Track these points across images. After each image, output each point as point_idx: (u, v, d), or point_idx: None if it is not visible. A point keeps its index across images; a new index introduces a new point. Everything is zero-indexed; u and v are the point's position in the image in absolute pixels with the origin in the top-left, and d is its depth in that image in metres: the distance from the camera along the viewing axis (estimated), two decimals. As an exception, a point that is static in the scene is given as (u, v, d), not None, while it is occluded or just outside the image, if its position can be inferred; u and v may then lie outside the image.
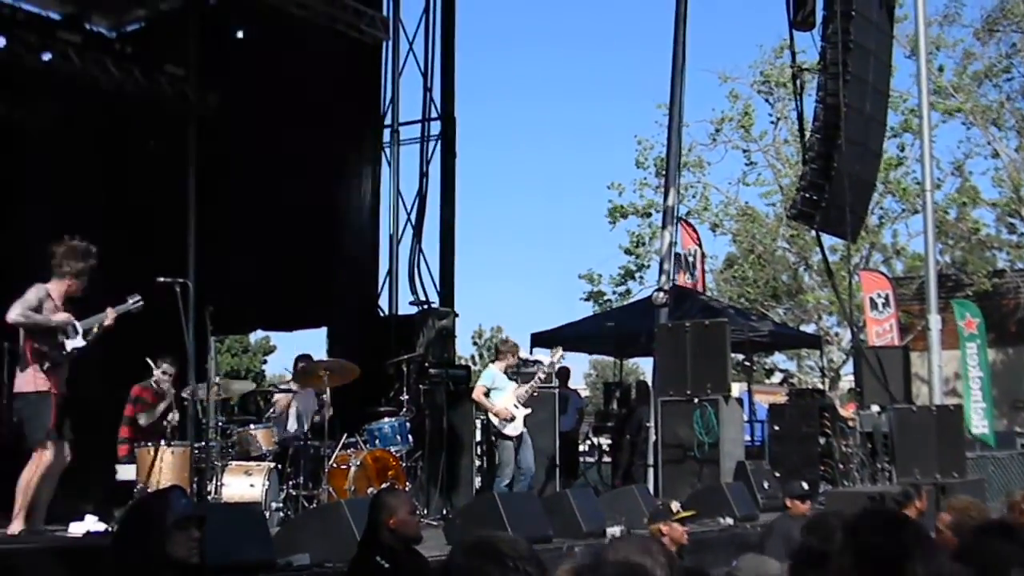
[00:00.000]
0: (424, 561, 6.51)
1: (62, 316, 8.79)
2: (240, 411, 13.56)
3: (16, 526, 8.50)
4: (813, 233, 19.78)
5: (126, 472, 10.47)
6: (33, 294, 8.70)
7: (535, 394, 12.70)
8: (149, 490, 9.66)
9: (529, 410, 12.59)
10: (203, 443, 10.39)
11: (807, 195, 15.16)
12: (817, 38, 15.16)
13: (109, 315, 9.09)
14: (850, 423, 16.05)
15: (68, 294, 8.91)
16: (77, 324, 8.87)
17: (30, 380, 8.65)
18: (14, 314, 8.56)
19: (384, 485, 11.04)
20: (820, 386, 24.74)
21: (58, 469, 8.91)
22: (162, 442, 10.16)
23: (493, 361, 13.22)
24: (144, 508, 4.75)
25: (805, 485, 10.38)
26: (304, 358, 12.78)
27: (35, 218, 16.17)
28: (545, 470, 13.94)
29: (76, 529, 9.26)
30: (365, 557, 6.18)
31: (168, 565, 4.41)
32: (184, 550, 4.49)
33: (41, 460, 8.64)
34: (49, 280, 8.90)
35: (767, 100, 32.45)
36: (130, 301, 9.28)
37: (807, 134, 15.68)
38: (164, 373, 11.15)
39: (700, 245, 22.30)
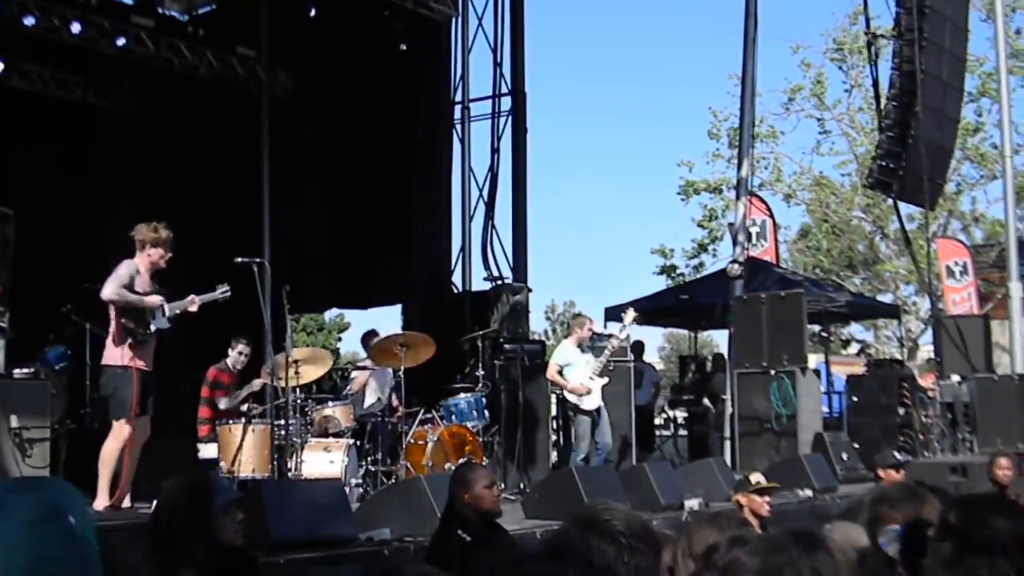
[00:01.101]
0: (505, 535, 6.53)
1: (154, 299, 8.96)
2: (318, 389, 13.69)
3: (101, 501, 8.66)
4: (890, 202, 19.53)
5: (208, 451, 10.65)
6: (125, 270, 8.89)
7: (610, 365, 12.63)
8: (228, 467, 9.84)
9: (606, 379, 12.46)
10: (283, 421, 10.51)
11: (884, 163, 14.98)
12: (892, 4, 14.93)
13: (195, 301, 9.24)
14: (930, 393, 15.84)
15: (153, 266, 9.06)
16: (166, 306, 9.03)
17: (117, 354, 8.83)
18: (109, 291, 8.76)
19: (461, 460, 11.11)
20: (898, 356, 24.43)
21: (139, 443, 9.07)
22: (243, 420, 10.31)
23: (566, 337, 13.20)
24: (188, 491, 4.68)
25: (898, 455, 10.27)
26: (372, 333, 12.85)
27: (111, 200, 16.47)
28: (621, 444, 13.92)
29: (159, 507, 9.41)
30: (446, 531, 6.19)
31: (215, 548, 4.44)
32: (230, 532, 4.55)
33: (122, 433, 8.81)
34: (134, 256, 9.06)
35: (840, 68, 32.06)
36: (219, 290, 9.42)
37: (883, 101, 15.47)
38: (240, 354, 11.29)
39: (772, 216, 22.09)
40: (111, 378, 8.86)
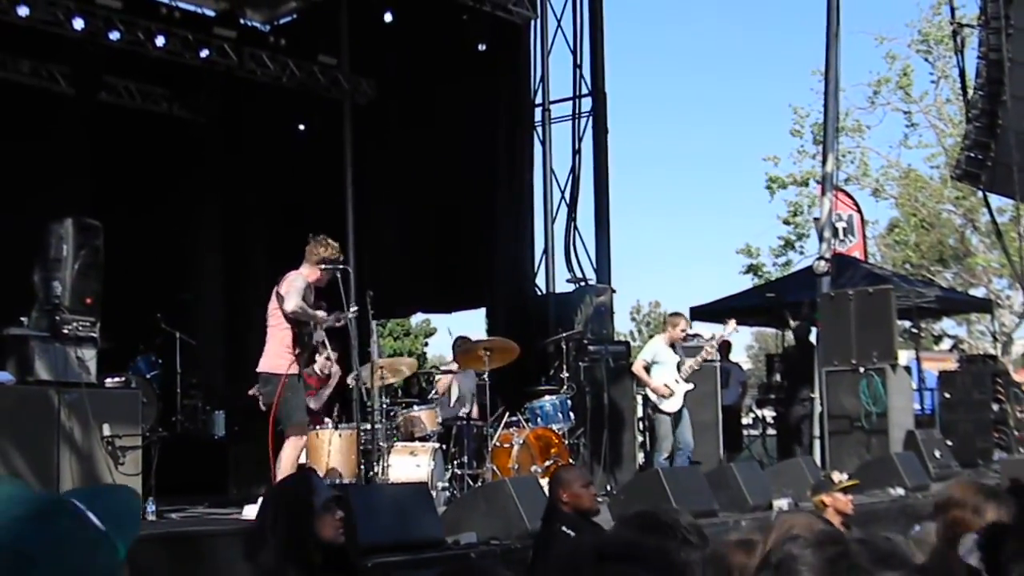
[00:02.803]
0: (603, 531, 6.60)
1: (324, 315, 9.23)
2: (404, 393, 13.78)
3: None
4: (980, 194, 19.16)
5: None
6: (301, 282, 9.09)
7: (699, 368, 12.58)
8: (320, 471, 9.91)
9: (691, 385, 12.44)
10: (369, 425, 10.58)
11: (972, 154, 14.73)
12: (977, -8, 14.67)
13: (341, 320, 9.45)
14: (1025, 388, 15.54)
15: (317, 282, 9.25)
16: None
17: (283, 363, 8.98)
18: (292, 304, 8.93)
19: (547, 463, 11.10)
20: (992, 351, 23.98)
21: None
22: (330, 424, 10.40)
23: (658, 334, 13.16)
24: (290, 491, 4.91)
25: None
26: (463, 340, 12.90)
27: (201, 211, 16.74)
28: (709, 444, 13.82)
29: (251, 512, 9.51)
30: (551, 529, 6.47)
31: (318, 546, 4.57)
32: (331, 530, 4.65)
33: (299, 441, 9.00)
34: (300, 267, 9.26)
35: (926, 59, 31.58)
36: (351, 310, 9.59)
37: (970, 91, 15.19)
38: (328, 359, 11.39)
39: (859, 211, 21.81)
40: (286, 388, 8.95)
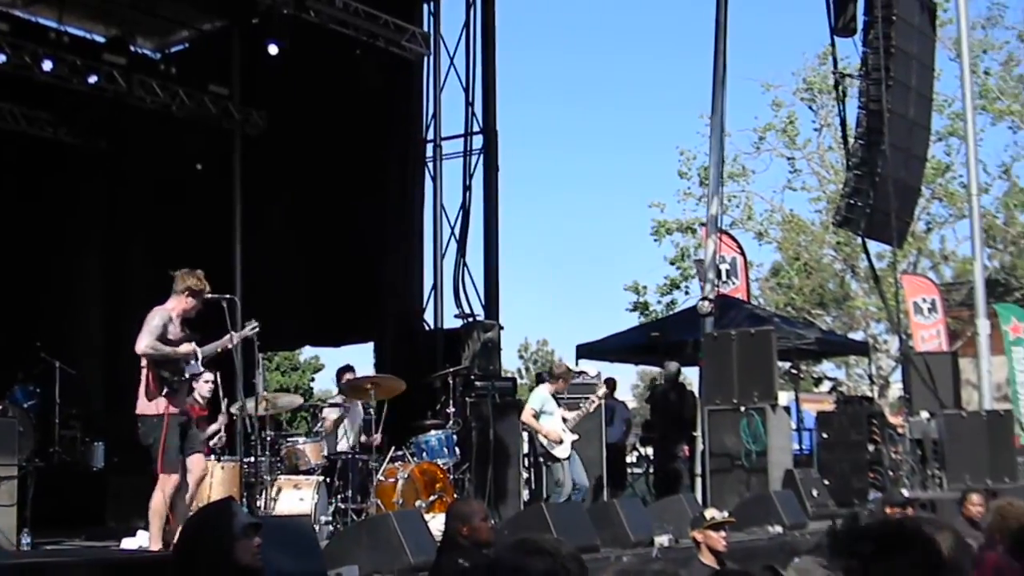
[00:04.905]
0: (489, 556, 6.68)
1: (187, 348, 8.84)
2: (290, 426, 13.68)
3: (155, 545, 8.56)
4: (859, 240, 19.68)
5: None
6: (158, 319, 8.76)
7: (582, 418, 12.90)
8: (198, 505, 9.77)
9: (576, 436, 12.75)
10: (252, 458, 10.48)
11: (852, 201, 15.11)
12: (859, 44, 15.12)
13: (231, 341, 9.22)
14: (899, 430, 15.91)
15: (185, 313, 8.98)
16: (199, 351, 8.97)
17: (151, 404, 8.71)
18: (143, 345, 8.63)
19: (432, 498, 11.11)
20: (869, 394, 24.52)
21: (197, 480, 9.03)
22: (212, 457, 10.27)
23: (543, 383, 13.30)
24: (209, 518, 4.97)
25: (906, 492, 10.31)
26: (347, 369, 12.86)
27: (85, 238, 16.46)
28: (593, 481, 13.94)
29: (129, 544, 9.38)
30: (447, 560, 6.60)
31: (236, 572, 4.65)
32: (249, 556, 4.71)
33: (166, 484, 8.68)
34: (166, 301, 8.99)
35: (810, 107, 32.33)
36: (248, 327, 9.43)
37: (851, 140, 15.62)
38: (206, 382, 11.25)
39: (742, 253, 22.19)
40: (149, 428, 8.69)
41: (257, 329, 9.50)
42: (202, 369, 9.03)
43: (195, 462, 9.04)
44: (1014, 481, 14.22)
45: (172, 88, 16.03)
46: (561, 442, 12.56)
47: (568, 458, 12.62)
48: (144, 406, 8.74)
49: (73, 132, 16.59)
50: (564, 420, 12.70)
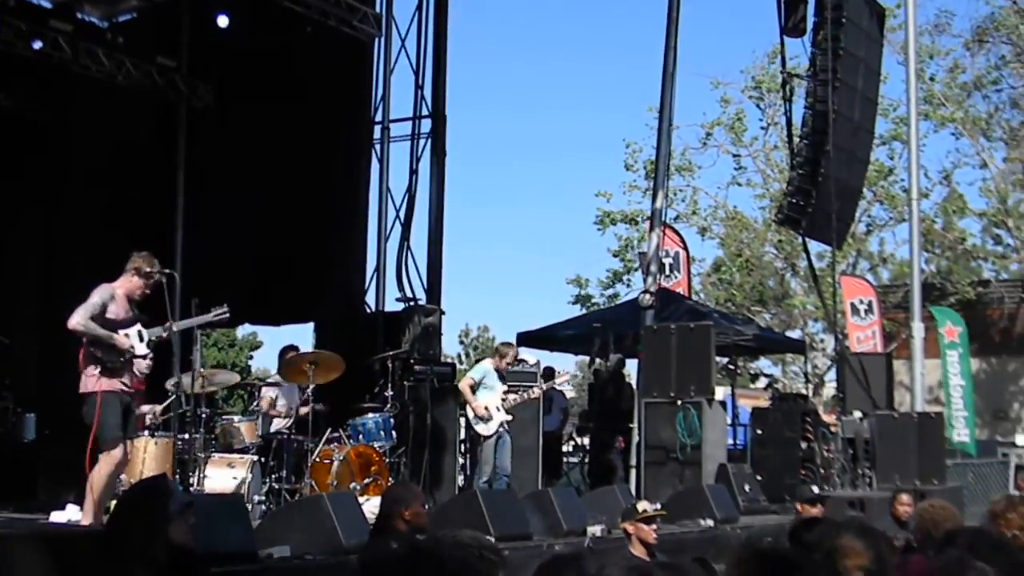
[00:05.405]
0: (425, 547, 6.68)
1: (122, 341, 8.66)
2: (227, 404, 13.58)
3: (87, 519, 8.46)
4: (800, 239, 19.87)
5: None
6: (98, 297, 8.64)
7: (521, 403, 12.94)
8: (131, 480, 9.68)
9: (510, 417, 12.73)
10: (186, 435, 10.41)
11: (794, 200, 15.26)
12: (808, 44, 15.25)
13: (171, 329, 9.08)
14: (832, 428, 16.10)
15: (130, 294, 8.86)
16: (144, 332, 8.84)
17: (89, 382, 8.60)
18: (75, 321, 8.49)
19: (367, 480, 11.10)
20: (804, 391, 24.77)
21: (122, 467, 8.91)
22: (145, 433, 10.17)
23: (489, 358, 13.34)
24: (145, 496, 4.98)
25: (816, 489, 10.44)
26: (290, 348, 12.79)
27: (23, 208, 16.21)
28: (529, 469, 13.98)
29: (58, 518, 9.28)
30: (380, 543, 6.59)
31: (169, 549, 4.67)
32: (183, 535, 4.76)
33: (108, 458, 8.56)
34: (116, 279, 8.87)
35: (758, 105, 32.53)
36: (213, 312, 9.34)
37: (796, 140, 15.76)
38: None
39: (685, 248, 22.33)
40: (88, 407, 8.59)
41: (227, 315, 9.42)
42: (147, 351, 8.89)
43: (128, 447, 8.94)
44: (942, 483, 14.45)
45: (118, 58, 15.83)
46: (487, 420, 12.54)
47: (496, 439, 12.59)
48: (83, 384, 8.65)
49: (14, 98, 16.31)
50: (503, 399, 12.67)
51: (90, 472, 8.59)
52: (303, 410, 11.76)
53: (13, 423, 13.95)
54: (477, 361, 13.30)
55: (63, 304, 8.93)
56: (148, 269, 8.91)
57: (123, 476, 9.71)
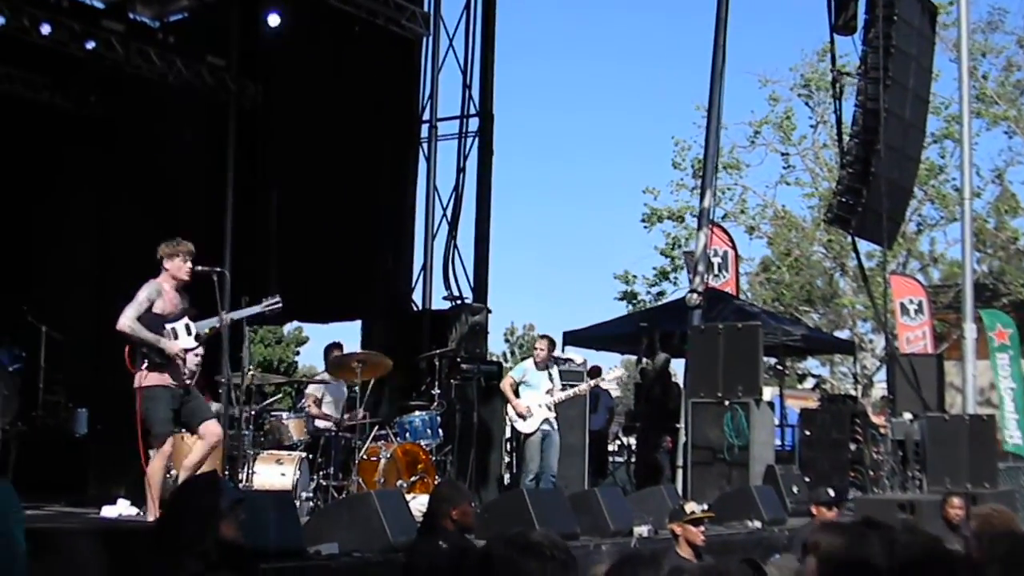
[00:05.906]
0: (473, 547, 6.68)
1: (171, 346, 8.71)
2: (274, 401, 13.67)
3: (151, 515, 8.55)
4: (849, 238, 19.72)
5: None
6: (144, 294, 8.73)
7: (569, 399, 12.95)
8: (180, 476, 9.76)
9: (553, 413, 12.73)
10: (236, 431, 10.48)
11: (844, 199, 15.13)
12: (858, 42, 15.12)
13: (224, 320, 9.11)
14: (882, 430, 15.98)
15: (177, 280, 8.92)
16: (192, 326, 8.88)
17: (139, 377, 8.69)
18: (123, 322, 8.59)
19: (413, 478, 11.13)
20: (853, 392, 24.60)
21: (205, 450, 8.86)
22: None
23: (526, 358, 13.37)
24: (196, 493, 5.09)
25: (832, 491, 10.34)
26: (335, 346, 12.84)
27: (76, 205, 16.40)
28: (575, 468, 13.97)
29: (109, 512, 9.38)
30: (428, 541, 6.68)
31: (219, 544, 4.77)
32: (234, 531, 4.87)
33: (161, 452, 8.69)
34: (158, 275, 8.93)
35: (807, 104, 32.35)
36: (264, 303, 9.40)
37: (845, 138, 15.63)
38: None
39: (734, 247, 22.22)
40: (144, 400, 8.68)
41: (279, 305, 9.45)
42: (194, 344, 8.93)
43: (208, 429, 8.93)
44: (994, 487, 14.28)
45: (169, 57, 15.94)
46: (525, 417, 12.55)
47: (542, 438, 12.59)
48: (135, 380, 8.73)
49: (68, 97, 16.50)
50: (549, 392, 12.67)
51: (146, 467, 8.69)
52: (347, 417, 11.86)
53: (65, 418, 14.14)
54: (522, 359, 13.30)
55: (115, 300, 9.02)
56: (169, 250, 8.91)
57: (173, 471, 9.79)
